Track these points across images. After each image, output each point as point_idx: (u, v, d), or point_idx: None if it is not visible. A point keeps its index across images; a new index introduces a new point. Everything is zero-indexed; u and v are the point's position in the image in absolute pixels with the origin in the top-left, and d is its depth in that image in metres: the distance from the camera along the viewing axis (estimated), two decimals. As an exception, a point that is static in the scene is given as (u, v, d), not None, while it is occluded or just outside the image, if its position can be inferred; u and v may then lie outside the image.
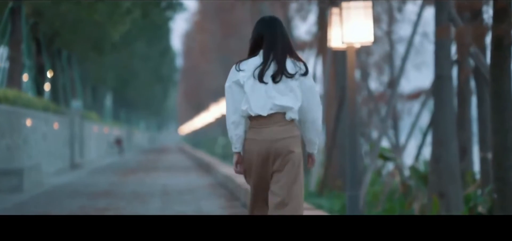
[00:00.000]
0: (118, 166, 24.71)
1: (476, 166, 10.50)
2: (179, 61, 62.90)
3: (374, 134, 19.50)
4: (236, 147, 3.93)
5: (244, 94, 3.89)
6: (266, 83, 3.87)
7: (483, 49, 9.48)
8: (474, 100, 10.46)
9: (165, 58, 50.83)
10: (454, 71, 10.01)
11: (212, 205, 10.53)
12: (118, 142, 37.42)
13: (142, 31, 29.97)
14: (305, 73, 3.90)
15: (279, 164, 3.87)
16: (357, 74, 20.61)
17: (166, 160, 31.39)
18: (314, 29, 18.03)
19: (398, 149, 15.09)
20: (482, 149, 9.98)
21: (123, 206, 10.43)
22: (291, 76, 3.86)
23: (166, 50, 51.62)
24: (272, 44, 3.88)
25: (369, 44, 6.88)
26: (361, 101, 20.72)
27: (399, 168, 12.30)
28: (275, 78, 3.85)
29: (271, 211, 3.84)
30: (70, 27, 19.89)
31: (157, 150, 53.76)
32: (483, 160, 9.92)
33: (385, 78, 21.18)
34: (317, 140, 3.99)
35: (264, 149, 3.87)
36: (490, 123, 6.16)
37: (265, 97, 3.86)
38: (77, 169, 22.27)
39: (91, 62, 27.58)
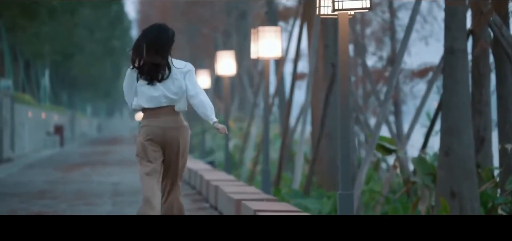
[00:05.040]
0: (59, 159, 24.54)
1: (496, 159, 10.53)
2: (134, 32, 62.47)
3: (372, 121, 19.55)
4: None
5: (135, 90, 5.84)
6: (153, 83, 5.78)
7: (505, 17, 9.49)
8: (492, 79, 10.49)
9: (116, 28, 50.39)
10: (469, 45, 10.02)
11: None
12: (59, 130, 37.15)
13: (88, -6, 29.68)
14: (189, 69, 5.84)
15: (170, 150, 5.81)
16: (351, 48, 20.63)
17: (118, 152, 31.26)
18: (298, -8, 17.95)
19: (400, 138, 15.11)
20: (502, 138, 10.01)
21: (64, 210, 10.35)
22: (176, 74, 5.78)
23: (118, 18, 51.18)
24: (152, 51, 5.76)
25: (365, 11, 6.83)
26: (355, 81, 20.73)
27: (401, 161, 12.32)
28: (160, 79, 5.76)
29: (164, 193, 5.83)
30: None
31: (107, 139, 53.55)
32: (502, 152, 9.96)
33: (385, 53, 21.23)
34: (209, 110, 5.85)
35: (156, 135, 5.78)
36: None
37: (154, 93, 5.78)
38: (7, 164, 22.05)
39: (23, 32, 27.24)
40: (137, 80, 5.82)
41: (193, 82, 5.83)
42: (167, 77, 5.77)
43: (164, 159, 5.82)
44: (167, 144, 5.79)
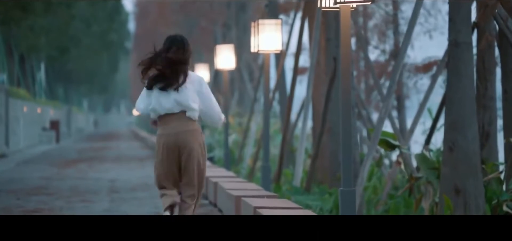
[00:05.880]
0: (55, 155, 24.54)
1: (501, 155, 10.53)
2: (131, 25, 62.49)
3: (374, 116, 19.53)
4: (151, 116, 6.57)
5: (150, 99, 6.43)
6: (167, 91, 6.34)
7: (511, 10, 9.47)
8: (497, 73, 10.47)
9: (114, 21, 50.37)
10: (474, 38, 9.99)
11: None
12: (55, 125, 37.15)
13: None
14: (201, 83, 6.44)
15: (184, 153, 6.37)
16: (353, 42, 20.59)
17: (115, 148, 31.27)
18: (299, -16, 17.90)
19: (403, 134, 15.09)
20: (507, 133, 10.01)
21: (60, 207, 10.35)
22: (188, 86, 6.36)
23: (116, 11, 51.14)
24: (166, 62, 6.34)
25: (367, 4, 6.83)
26: (357, 75, 20.72)
27: (404, 157, 12.32)
28: (175, 88, 6.32)
29: (185, 196, 6.40)
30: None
31: (104, 135, 53.55)
32: (508, 147, 9.95)
33: (388, 46, 21.21)
34: (216, 119, 6.51)
35: (170, 142, 6.37)
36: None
37: (169, 100, 6.36)
38: (1, 160, 22.05)
39: (18, 25, 27.23)
40: (152, 89, 6.39)
41: (206, 96, 6.47)
42: (181, 86, 6.34)
43: (180, 164, 6.39)
44: (181, 147, 6.35)
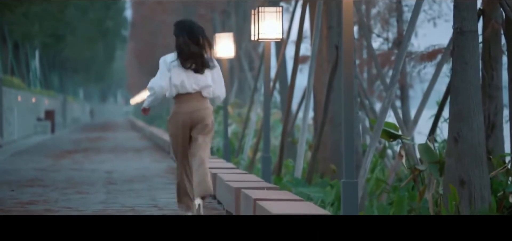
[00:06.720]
0: (50, 146, 24.55)
1: (507, 146, 10.51)
2: (128, 12, 62.38)
3: (377, 106, 19.55)
4: (146, 105, 7.54)
5: (169, 78, 7.29)
6: (187, 71, 7.26)
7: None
8: (504, 61, 10.45)
9: (110, 8, 50.32)
10: (480, 26, 9.96)
11: (170, 197, 10.47)
12: (50, 115, 37.16)
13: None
14: (215, 65, 7.39)
15: (196, 130, 7.36)
16: (355, 30, 20.58)
17: (112, 138, 31.29)
18: (301, -29, 17.84)
19: (407, 124, 15.10)
20: (514, 123, 9.99)
21: (55, 199, 10.35)
22: (208, 68, 7.33)
23: (112, -2, 50.95)
24: (186, 44, 7.24)
25: (371, -11, 6.81)
26: (360, 64, 20.71)
27: (407, 148, 12.31)
28: (196, 70, 7.27)
29: (195, 168, 7.47)
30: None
31: (100, 125, 53.58)
32: (514, 138, 9.93)
33: (391, 34, 21.19)
34: (223, 97, 7.54)
35: (184, 120, 7.33)
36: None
37: (187, 81, 7.27)
38: (-4, 151, 22.05)
39: (12, 12, 27.18)
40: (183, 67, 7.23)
41: (219, 77, 7.40)
42: (202, 68, 7.26)
43: (191, 136, 7.35)
44: (194, 123, 7.32)
